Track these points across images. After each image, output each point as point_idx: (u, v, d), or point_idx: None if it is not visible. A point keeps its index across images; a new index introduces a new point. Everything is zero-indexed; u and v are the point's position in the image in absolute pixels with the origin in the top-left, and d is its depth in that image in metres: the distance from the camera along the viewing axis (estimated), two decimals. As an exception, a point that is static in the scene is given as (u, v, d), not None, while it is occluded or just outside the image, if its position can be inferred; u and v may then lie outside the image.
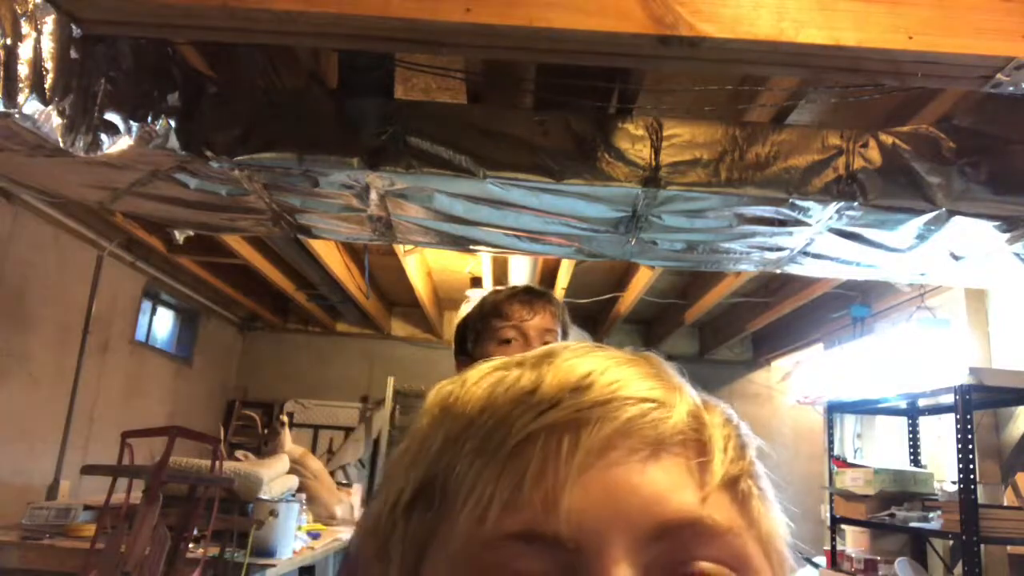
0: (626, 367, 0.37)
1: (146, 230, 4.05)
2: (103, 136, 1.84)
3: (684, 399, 0.37)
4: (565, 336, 1.56)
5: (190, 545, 2.81)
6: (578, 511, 0.32)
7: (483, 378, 0.39)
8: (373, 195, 2.26)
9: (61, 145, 1.73)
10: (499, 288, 1.69)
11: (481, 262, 4.46)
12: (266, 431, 5.47)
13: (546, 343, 1.47)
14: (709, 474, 0.35)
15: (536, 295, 1.53)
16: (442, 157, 2.05)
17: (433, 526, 0.36)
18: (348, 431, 6.41)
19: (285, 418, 4.82)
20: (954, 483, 3.02)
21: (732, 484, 0.36)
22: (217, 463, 2.98)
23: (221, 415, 6.29)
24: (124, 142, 1.89)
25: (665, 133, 2.07)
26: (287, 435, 4.49)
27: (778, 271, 2.70)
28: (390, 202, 2.30)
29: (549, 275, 4.76)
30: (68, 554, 2.87)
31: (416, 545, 0.36)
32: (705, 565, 0.33)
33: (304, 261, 4.70)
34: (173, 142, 2.00)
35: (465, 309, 5.08)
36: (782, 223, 2.22)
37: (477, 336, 1.53)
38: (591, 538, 0.32)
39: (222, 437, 4.76)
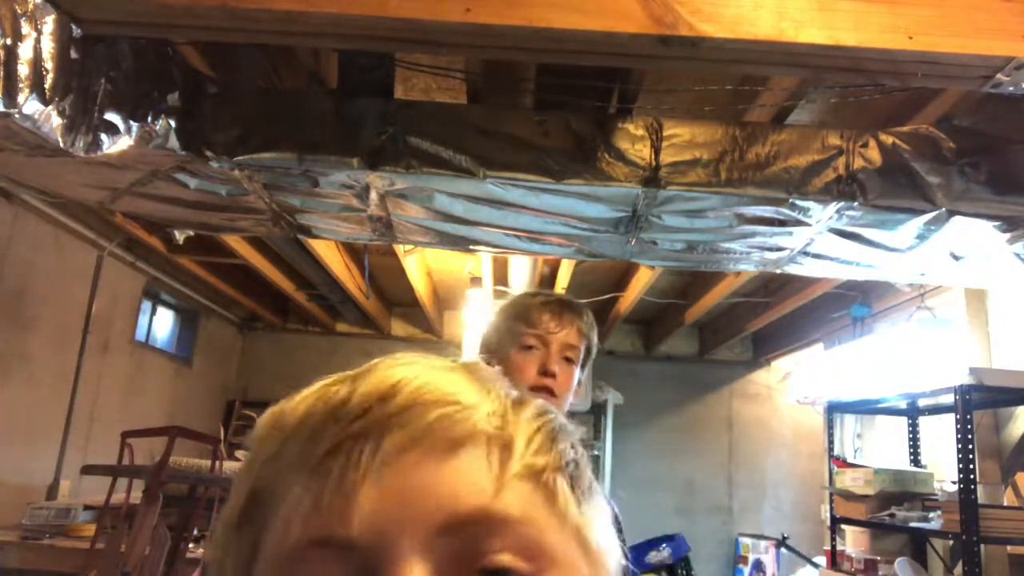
0: (438, 373, 0.38)
1: (146, 230, 4.05)
2: (103, 136, 1.84)
3: (490, 400, 0.38)
4: (589, 355, 1.54)
5: (190, 545, 2.81)
6: (371, 513, 0.33)
7: (308, 394, 0.39)
8: (373, 195, 2.26)
9: (61, 145, 1.73)
10: (534, 292, 1.68)
11: (481, 262, 4.46)
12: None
13: (567, 359, 1.46)
14: (506, 468, 0.35)
15: (568, 308, 1.51)
16: (442, 157, 2.05)
17: (256, 540, 0.36)
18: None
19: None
20: (954, 483, 3.02)
21: (534, 476, 0.36)
22: (217, 463, 2.98)
23: (221, 415, 6.29)
24: (124, 142, 1.89)
25: (665, 133, 2.07)
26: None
27: (778, 271, 2.70)
28: (390, 202, 2.30)
29: (549, 275, 4.76)
30: (68, 554, 2.87)
31: (244, 562, 0.37)
32: (498, 557, 0.34)
33: (304, 261, 4.70)
34: (173, 142, 2.00)
35: (472, 305, 5.05)
36: (782, 223, 2.22)
37: (501, 337, 1.51)
38: (383, 539, 0.33)
39: (222, 437, 4.77)
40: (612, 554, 0.39)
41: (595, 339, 1.54)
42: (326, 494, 0.34)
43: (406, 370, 0.38)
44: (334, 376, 0.41)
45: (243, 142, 2.03)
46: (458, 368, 0.40)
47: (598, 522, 0.39)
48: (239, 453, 4.16)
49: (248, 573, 0.37)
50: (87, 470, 2.98)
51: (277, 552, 0.35)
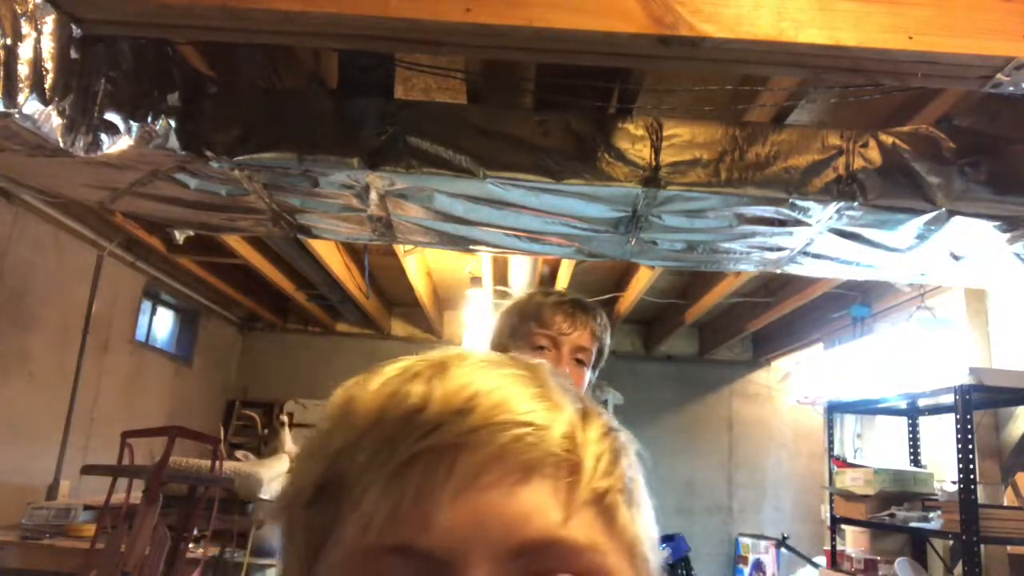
0: (512, 387, 0.40)
1: (146, 230, 4.05)
2: (103, 136, 1.84)
3: (561, 419, 0.39)
4: (600, 357, 1.53)
5: (190, 545, 2.81)
6: (449, 530, 0.36)
7: (382, 385, 0.41)
8: (373, 195, 2.26)
9: (61, 145, 1.73)
10: (548, 290, 1.66)
11: (481, 262, 4.46)
12: (266, 431, 5.47)
13: (578, 361, 1.46)
14: (575, 494, 0.38)
15: (581, 309, 1.49)
16: (442, 157, 2.05)
17: (328, 524, 0.39)
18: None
19: (285, 418, 4.82)
20: (954, 483, 3.02)
21: (599, 500, 0.39)
22: (217, 463, 2.98)
23: (221, 415, 6.29)
24: (124, 142, 1.89)
25: (665, 133, 2.07)
26: (287, 435, 4.49)
27: (778, 271, 2.70)
28: (390, 202, 2.30)
29: (549, 275, 4.76)
30: (68, 554, 2.87)
31: (314, 539, 0.40)
32: (562, 572, 0.36)
33: (304, 261, 4.71)
34: (173, 142, 2.00)
35: (473, 305, 5.03)
36: (782, 223, 2.22)
37: (513, 332, 1.51)
38: (457, 555, 0.35)
39: (222, 437, 4.77)
40: (655, 561, 0.42)
41: (607, 341, 1.55)
42: (405, 503, 0.36)
43: (481, 380, 0.40)
44: (401, 365, 0.43)
45: (243, 142, 2.03)
46: (528, 378, 0.41)
47: (646, 534, 0.41)
48: (239, 453, 4.16)
49: (316, 556, 0.40)
50: (87, 470, 2.98)
51: (354, 548, 0.37)
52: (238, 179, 2.18)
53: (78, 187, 2.33)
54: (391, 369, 0.43)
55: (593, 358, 1.51)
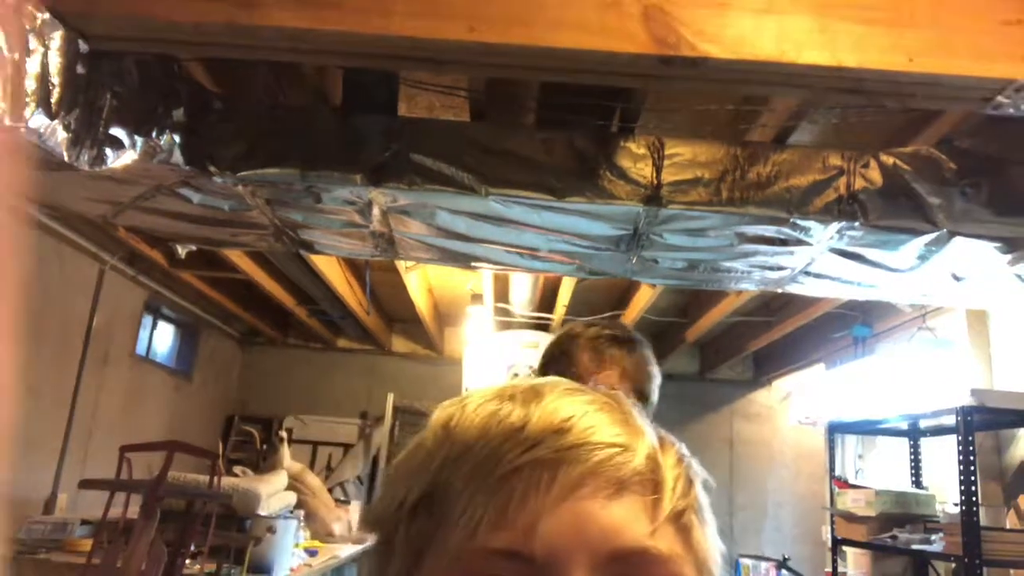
0: (600, 413, 0.45)
1: (148, 244, 4.06)
2: (108, 150, 1.85)
3: (645, 443, 0.44)
4: (642, 398, 1.45)
5: (187, 561, 2.79)
6: (550, 535, 0.40)
7: (481, 407, 0.46)
8: (375, 211, 2.27)
9: (66, 159, 1.74)
10: (590, 322, 1.59)
11: (482, 279, 4.47)
12: (264, 447, 5.45)
13: None
14: (659, 510, 0.42)
15: (615, 345, 1.44)
16: (445, 174, 2.06)
17: (431, 532, 0.43)
18: (347, 448, 6.39)
19: (284, 434, 4.81)
20: (956, 505, 3.00)
21: (677, 518, 0.44)
22: (215, 478, 2.96)
23: (220, 430, 6.27)
24: (128, 156, 1.90)
25: (667, 152, 2.08)
26: (286, 451, 4.47)
27: (779, 290, 2.70)
28: (392, 218, 2.31)
29: (550, 293, 4.76)
30: (64, 569, 2.85)
31: (416, 546, 0.44)
32: None
33: (305, 276, 4.71)
34: (177, 157, 2.01)
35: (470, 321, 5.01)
36: (783, 242, 2.23)
37: (549, 364, 1.48)
38: (559, 559, 0.40)
39: (221, 452, 4.74)
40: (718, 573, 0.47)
41: (649, 381, 1.47)
42: (510, 511, 0.41)
43: (572, 406, 0.44)
44: (494, 390, 0.48)
45: (247, 158, 2.04)
46: (611, 406, 0.46)
47: (714, 551, 0.46)
48: (237, 468, 4.14)
49: (419, 556, 0.44)
50: (85, 484, 2.96)
51: (461, 551, 0.41)
52: (241, 194, 2.19)
53: (81, 201, 2.34)
54: (485, 393, 0.47)
55: (629, 396, 1.46)
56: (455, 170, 2.06)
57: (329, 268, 4.32)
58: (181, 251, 2.89)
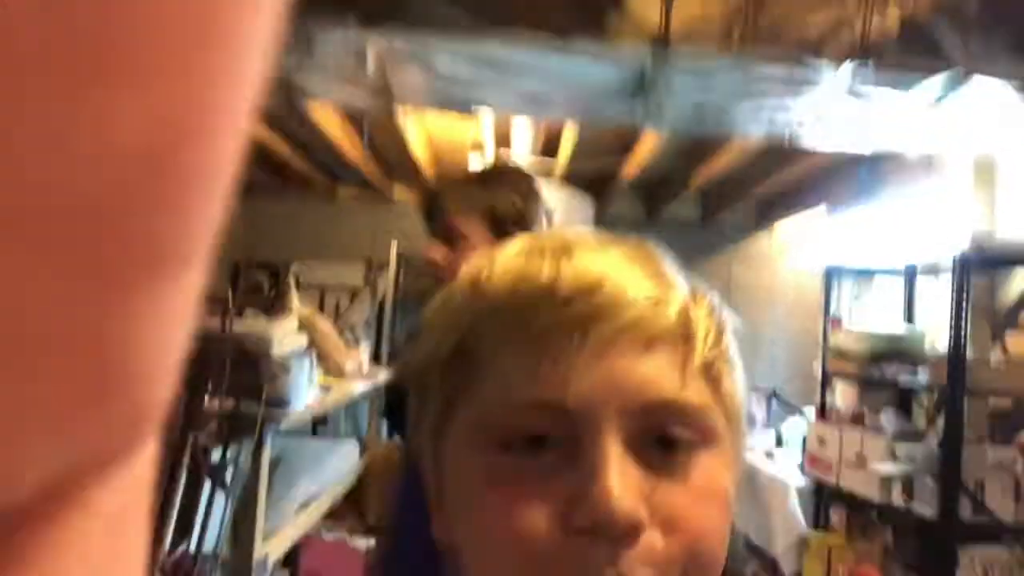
0: (632, 267, 0.45)
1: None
2: None
3: (677, 296, 0.45)
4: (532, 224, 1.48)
5: (206, 399, 2.93)
6: (583, 390, 0.42)
7: (510, 263, 0.46)
8: (371, 56, 2.19)
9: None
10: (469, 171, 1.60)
11: (482, 127, 4.38)
12: (273, 292, 5.57)
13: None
14: (690, 363, 0.44)
15: (479, 185, 1.46)
16: (442, 15, 1.97)
17: (463, 384, 0.45)
18: (354, 293, 6.53)
19: (292, 279, 4.90)
20: (947, 342, 3.10)
21: (708, 368, 0.45)
22: (227, 323, 3.05)
23: (227, 277, 6.38)
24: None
25: (676, -11, 1.98)
26: (295, 296, 4.57)
27: (787, 137, 2.65)
28: (389, 63, 2.23)
29: (552, 140, 4.67)
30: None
31: (449, 396, 0.46)
32: (678, 430, 0.43)
33: (302, 127, 4.61)
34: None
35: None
36: (794, 84, 2.16)
37: (428, 223, 1.53)
38: (591, 411, 0.42)
39: (230, 298, 4.85)
40: (744, 427, 0.49)
41: (532, 217, 1.52)
42: (544, 366, 0.42)
43: (603, 261, 0.45)
44: (523, 245, 0.48)
45: None
46: (643, 260, 0.47)
47: (742, 399, 0.48)
48: (248, 313, 4.25)
49: (452, 404, 0.46)
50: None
51: (495, 402, 0.43)
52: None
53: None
54: (514, 249, 0.48)
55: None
56: (454, 11, 1.96)
57: (325, 117, 4.21)
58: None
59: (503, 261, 0.47)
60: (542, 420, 0.42)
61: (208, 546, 2.83)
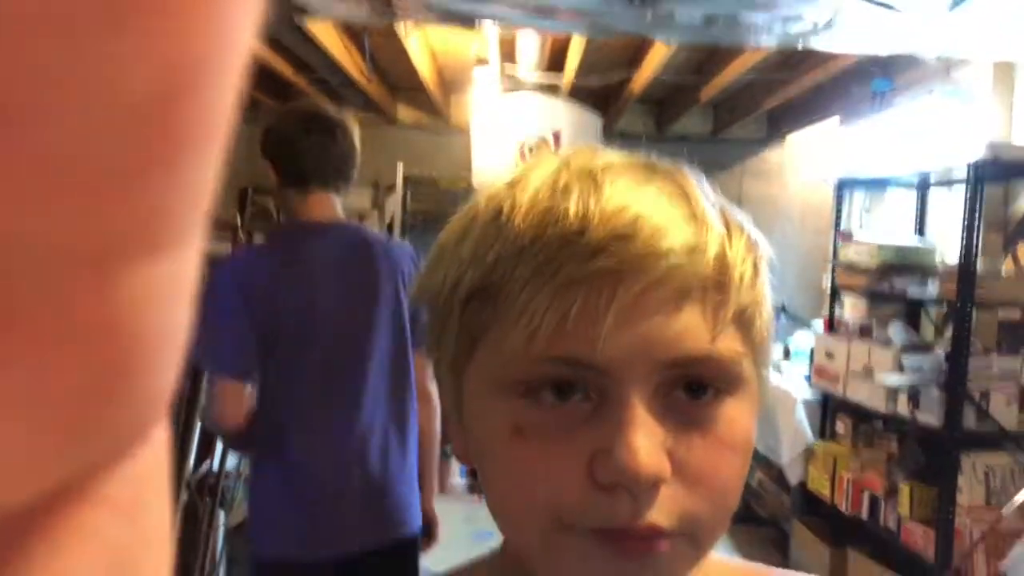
0: (667, 207, 0.43)
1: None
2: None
3: (714, 238, 0.43)
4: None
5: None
6: (614, 348, 0.41)
7: (534, 199, 0.44)
8: (371, -31, 2.11)
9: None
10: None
11: (487, 42, 4.27)
12: (281, 217, 5.57)
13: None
14: (724, 312, 0.43)
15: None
16: (443, -77, 1.89)
17: (486, 324, 0.44)
18: (361, 216, 6.51)
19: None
20: (957, 254, 3.09)
21: (741, 314, 0.44)
22: (236, 248, 3.06)
23: (235, 203, 6.37)
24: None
25: None
26: (303, 222, 4.56)
27: (800, 46, 2.57)
28: (390, -23, 2.16)
29: (558, 54, 4.56)
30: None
31: (471, 333, 0.45)
32: (706, 380, 0.43)
33: (302, 45, 4.51)
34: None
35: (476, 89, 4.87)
36: (808, -9, 2.09)
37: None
38: (621, 366, 0.41)
39: (239, 224, 4.87)
40: (770, 362, 0.49)
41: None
42: (571, 320, 0.41)
43: (636, 200, 0.42)
44: (547, 172, 0.45)
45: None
46: (680, 196, 0.44)
47: (769, 332, 0.47)
48: (257, 238, 4.26)
49: (472, 344, 0.45)
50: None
51: (520, 353, 0.42)
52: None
53: None
54: (537, 177, 0.45)
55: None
56: (454, -82, 1.88)
57: (326, 34, 4.11)
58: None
59: (527, 196, 0.44)
60: (568, 372, 0.42)
61: (231, 464, 2.93)
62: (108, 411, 0.14)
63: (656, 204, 0.43)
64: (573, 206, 0.42)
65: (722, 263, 0.43)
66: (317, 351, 1.78)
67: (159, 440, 0.17)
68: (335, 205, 1.87)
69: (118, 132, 0.12)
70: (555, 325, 0.41)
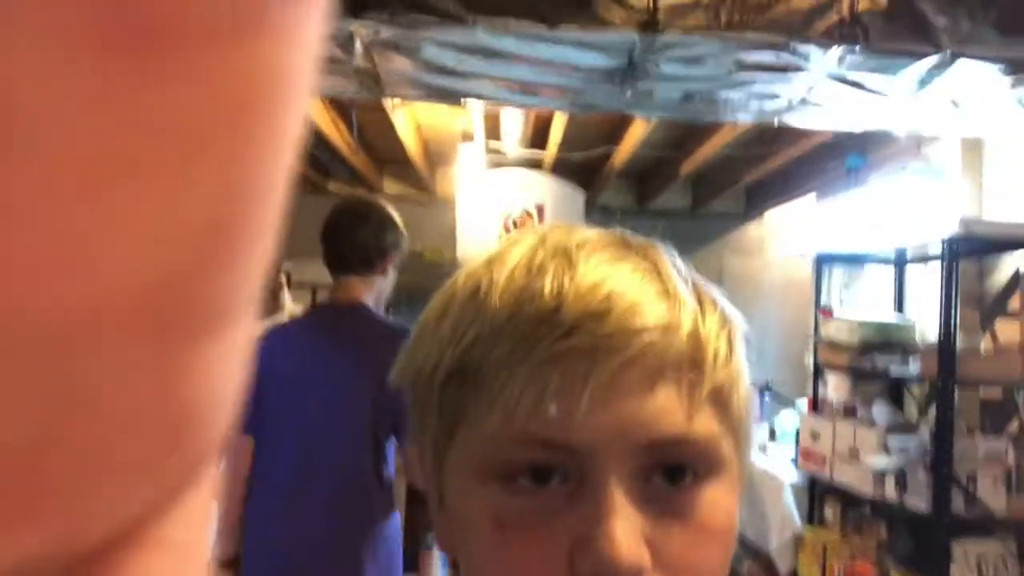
0: (641, 284, 0.43)
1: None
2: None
3: (687, 316, 0.43)
4: None
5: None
6: (589, 428, 0.41)
7: (510, 278, 0.44)
8: (358, 45, 2.17)
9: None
10: None
11: (472, 117, 4.36)
12: (265, 291, 5.55)
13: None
14: (699, 391, 0.42)
15: None
16: (429, 3, 1.95)
17: (464, 406, 0.44)
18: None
19: (284, 277, 4.87)
20: (936, 330, 3.11)
21: (717, 392, 0.43)
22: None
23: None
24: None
25: (664, -27, 1.97)
26: (286, 294, 4.56)
27: (776, 122, 2.65)
28: (376, 53, 2.22)
29: (542, 129, 4.66)
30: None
31: (450, 416, 0.45)
32: (684, 462, 0.42)
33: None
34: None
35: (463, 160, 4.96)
36: (782, 69, 2.16)
37: None
38: (596, 451, 0.41)
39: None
40: (751, 439, 0.48)
41: None
42: (547, 398, 0.41)
43: (612, 279, 0.42)
44: (523, 251, 0.45)
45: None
46: (652, 273, 0.44)
47: (747, 410, 0.46)
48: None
49: (452, 425, 0.45)
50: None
51: (497, 434, 0.42)
52: (216, 29, 2.08)
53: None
54: (514, 256, 0.45)
55: None
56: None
57: (314, 108, 4.19)
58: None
59: (503, 274, 0.44)
60: (546, 455, 0.41)
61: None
62: (171, 462, 0.15)
63: (630, 281, 0.43)
64: (548, 284, 0.42)
65: (696, 340, 0.43)
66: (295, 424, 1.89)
67: (207, 481, 0.18)
68: (356, 288, 2.11)
69: (180, 250, 0.13)
70: (532, 405, 0.41)
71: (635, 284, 0.43)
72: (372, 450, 1.90)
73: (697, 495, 0.43)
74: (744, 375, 0.46)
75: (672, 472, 0.42)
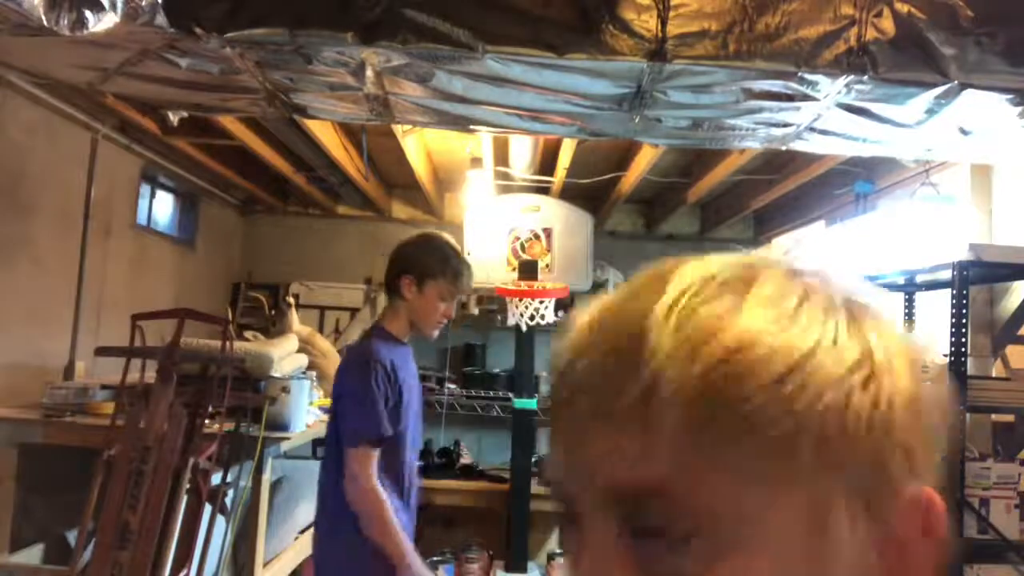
0: (600, 353, 0.42)
1: (139, 112, 3.97)
2: (87, 13, 1.77)
3: (634, 377, 0.40)
4: None
5: (206, 421, 2.92)
6: (566, 483, 0.43)
7: (565, 343, 0.48)
8: (369, 72, 2.19)
9: (44, 23, 1.67)
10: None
11: (481, 143, 4.39)
12: (273, 312, 5.56)
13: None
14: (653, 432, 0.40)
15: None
16: (439, 31, 1.98)
17: None
18: (353, 311, 6.52)
19: (292, 299, 4.89)
20: (945, 356, 3.09)
21: (686, 427, 0.42)
22: (227, 343, 3.04)
23: (227, 297, 6.37)
24: (110, 19, 1.82)
25: (673, 2, 1.98)
26: (294, 316, 4.57)
27: (783, 148, 2.66)
28: (387, 80, 2.24)
29: (550, 155, 4.69)
30: (90, 431, 2.99)
31: None
32: (662, 522, 0.38)
33: (301, 142, 4.63)
34: (161, 19, 1.92)
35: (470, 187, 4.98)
36: (790, 98, 2.17)
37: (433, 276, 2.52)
38: (572, 493, 0.43)
39: (231, 318, 4.84)
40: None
41: None
42: (551, 444, 0.45)
43: (576, 347, 0.45)
44: (583, 324, 0.47)
45: (232, 17, 1.96)
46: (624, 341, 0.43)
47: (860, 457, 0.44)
48: (248, 333, 4.25)
49: None
50: (101, 352, 3.05)
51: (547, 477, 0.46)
52: (230, 57, 2.12)
53: (66, 68, 2.26)
54: (577, 324, 0.47)
55: None
56: (450, 26, 1.97)
57: (324, 133, 4.23)
58: (173, 118, 2.83)
59: (566, 338, 0.47)
60: (558, 503, 0.44)
61: (208, 572, 2.80)
62: None
63: (592, 348, 0.45)
64: (565, 351, 0.46)
65: (649, 395, 0.40)
66: None
67: None
68: (382, 312, 2.67)
69: None
70: (548, 455, 0.46)
71: (596, 347, 0.45)
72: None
73: (706, 571, 0.35)
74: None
75: (673, 538, 0.36)
